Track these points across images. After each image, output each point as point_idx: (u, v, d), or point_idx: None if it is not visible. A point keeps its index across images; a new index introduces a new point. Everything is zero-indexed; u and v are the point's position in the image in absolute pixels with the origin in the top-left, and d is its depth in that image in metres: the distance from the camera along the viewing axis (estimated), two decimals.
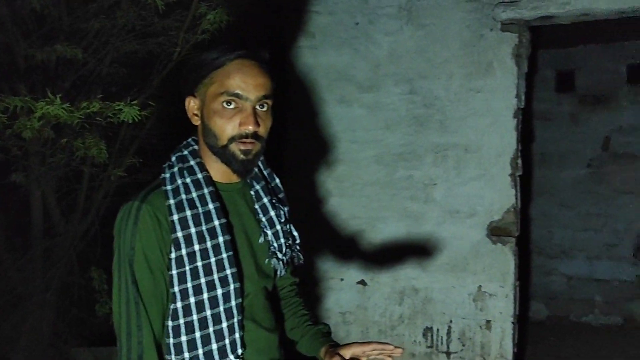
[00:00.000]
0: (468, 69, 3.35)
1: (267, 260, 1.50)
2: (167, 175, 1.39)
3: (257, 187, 1.51)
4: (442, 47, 3.40)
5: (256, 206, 1.49)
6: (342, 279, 3.62)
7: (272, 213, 1.49)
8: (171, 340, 1.33)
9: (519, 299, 3.40)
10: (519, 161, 3.31)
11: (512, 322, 3.31)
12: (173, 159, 1.43)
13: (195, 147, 1.45)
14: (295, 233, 1.57)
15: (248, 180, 1.51)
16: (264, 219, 1.48)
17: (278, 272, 1.53)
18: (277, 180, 1.58)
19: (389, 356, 1.44)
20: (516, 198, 3.30)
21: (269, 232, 1.48)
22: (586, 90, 5.51)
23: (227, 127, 1.35)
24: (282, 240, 1.50)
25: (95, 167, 4.30)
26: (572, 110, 5.57)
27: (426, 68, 3.44)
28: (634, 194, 5.41)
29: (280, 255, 1.50)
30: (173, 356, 1.33)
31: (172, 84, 4.21)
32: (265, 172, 1.56)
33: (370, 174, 3.57)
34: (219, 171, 1.42)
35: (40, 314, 4.34)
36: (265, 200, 1.50)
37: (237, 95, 1.34)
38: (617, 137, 5.43)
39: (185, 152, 1.43)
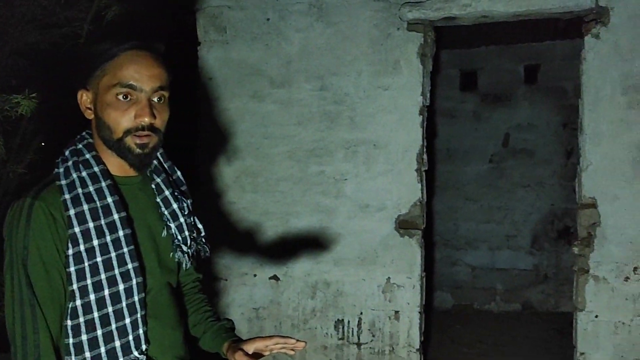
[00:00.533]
0: (376, 67, 3.44)
1: (171, 254, 1.47)
2: (61, 169, 1.34)
3: (158, 180, 1.48)
4: (351, 44, 3.47)
5: (158, 199, 1.47)
6: (255, 275, 3.62)
7: (175, 206, 1.47)
8: (71, 340, 1.28)
9: (425, 289, 3.54)
10: (425, 156, 3.44)
11: (419, 312, 3.43)
12: (67, 153, 1.38)
13: (90, 140, 1.40)
14: (199, 225, 1.55)
15: (148, 174, 1.47)
16: (166, 212, 1.46)
17: (183, 266, 1.51)
18: (179, 173, 1.55)
19: (292, 349, 1.45)
20: (422, 192, 3.43)
21: (172, 225, 1.46)
22: (487, 89, 5.80)
23: (122, 120, 1.31)
24: (187, 233, 1.49)
25: None
26: (475, 108, 5.84)
27: (336, 65, 3.50)
28: (531, 187, 5.75)
29: (185, 249, 1.49)
30: (73, 356, 1.28)
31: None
32: (166, 165, 1.53)
33: (284, 169, 3.59)
34: (115, 165, 1.39)
35: None
36: (167, 193, 1.47)
37: (131, 87, 1.31)
38: (516, 134, 5.75)
39: (80, 146, 1.38)
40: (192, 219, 1.53)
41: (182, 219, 1.48)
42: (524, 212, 5.78)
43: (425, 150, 3.44)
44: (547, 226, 5.74)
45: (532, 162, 5.73)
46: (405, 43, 3.38)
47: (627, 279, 3.08)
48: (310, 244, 3.56)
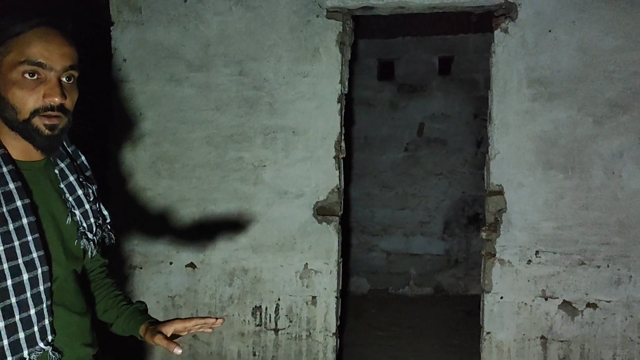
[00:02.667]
0: (296, 54, 3.44)
1: (76, 241, 1.42)
2: None
3: (62, 165, 1.42)
4: (271, 30, 3.45)
5: (62, 185, 1.41)
6: (171, 263, 3.56)
7: (80, 192, 1.42)
8: None
9: (341, 275, 3.61)
10: (343, 144, 3.49)
11: (336, 297, 3.49)
12: None
13: None
14: (105, 212, 1.52)
15: (51, 159, 1.41)
16: (70, 199, 1.41)
17: (89, 253, 1.47)
18: (83, 158, 1.50)
19: (210, 328, 1.45)
20: (339, 179, 3.48)
21: (77, 212, 1.42)
22: (404, 79, 5.95)
23: (29, 100, 1.25)
24: (92, 220, 1.45)
25: None
26: (392, 98, 5.97)
27: (256, 50, 3.47)
28: (443, 175, 5.97)
29: (90, 236, 1.44)
30: None
31: None
32: (69, 149, 1.48)
33: (201, 155, 3.53)
34: (17, 149, 1.32)
35: None
36: (72, 178, 1.42)
37: (40, 65, 1.25)
38: (430, 123, 5.94)
39: None
40: (97, 205, 1.48)
41: (87, 206, 1.43)
42: (437, 199, 5.99)
43: (343, 138, 3.49)
44: (458, 213, 5.98)
45: (445, 151, 5.95)
46: (325, 31, 3.41)
47: (529, 262, 3.27)
48: (228, 230, 3.54)
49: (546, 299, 3.26)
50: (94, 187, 1.49)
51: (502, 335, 3.30)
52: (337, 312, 3.52)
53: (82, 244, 1.43)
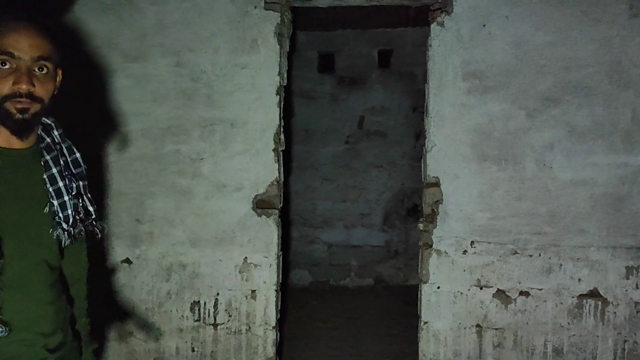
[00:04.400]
0: (234, 45, 3.39)
1: (50, 230, 1.48)
2: None
3: (47, 157, 1.50)
4: (208, 20, 3.39)
5: (44, 176, 1.48)
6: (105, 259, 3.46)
7: (60, 184, 1.49)
8: None
9: (281, 268, 3.60)
10: (282, 137, 3.47)
11: (275, 290, 3.48)
12: None
13: None
14: (90, 208, 1.58)
15: (40, 150, 1.49)
16: (51, 189, 1.48)
17: (63, 243, 1.51)
18: (78, 155, 1.58)
19: None
20: (279, 172, 3.46)
21: (55, 203, 1.48)
22: (344, 72, 5.97)
23: (2, 87, 1.37)
24: (69, 212, 1.50)
25: None
26: (333, 90, 5.99)
27: (193, 41, 3.40)
28: (383, 167, 6.04)
29: (65, 226, 1.50)
30: None
31: None
32: (64, 145, 1.55)
33: (138, 148, 3.44)
34: (1, 136, 1.42)
35: None
36: (54, 170, 1.49)
37: (10, 55, 1.36)
38: (370, 116, 5.99)
39: None
40: (80, 200, 1.54)
41: (66, 197, 1.50)
42: (377, 191, 6.06)
43: (282, 130, 3.46)
44: (398, 204, 6.07)
45: (384, 144, 6.01)
46: (263, 22, 3.37)
47: (465, 252, 3.35)
48: (166, 225, 3.46)
49: (481, 288, 3.35)
50: (79, 183, 1.55)
51: (439, 324, 3.37)
52: (277, 305, 3.51)
53: (56, 233, 1.49)
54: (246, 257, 3.45)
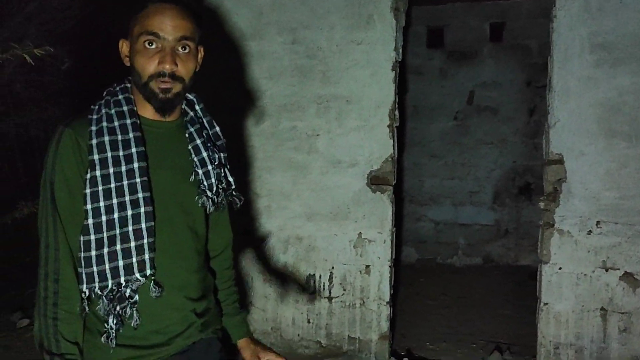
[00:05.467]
0: (349, 21, 3.39)
1: (196, 197, 1.56)
2: (96, 106, 1.48)
3: (192, 129, 1.57)
4: None
5: (190, 147, 1.56)
6: None
7: (204, 154, 1.56)
8: (82, 254, 1.40)
9: (394, 245, 3.60)
10: (397, 112, 3.45)
11: (389, 266, 3.50)
12: (104, 93, 1.51)
13: (128, 85, 1.53)
14: (230, 178, 1.65)
15: (184, 123, 1.57)
16: (195, 159, 1.56)
17: (207, 210, 1.60)
18: (217, 129, 1.64)
19: None
20: (393, 148, 3.45)
21: (200, 172, 1.56)
22: (454, 46, 5.81)
23: (148, 66, 1.43)
24: (213, 181, 1.58)
25: None
26: (441, 65, 5.86)
27: (309, 18, 3.44)
28: (493, 144, 5.86)
29: (209, 194, 1.58)
30: (83, 269, 1.40)
31: (39, 25, 3.87)
32: (205, 119, 1.62)
33: (256, 124, 3.55)
34: (150, 109, 1.50)
35: None
36: (198, 141, 1.57)
37: (155, 35, 1.42)
38: (480, 91, 5.81)
39: (117, 88, 1.52)
40: (222, 170, 1.61)
41: (209, 167, 1.57)
42: (487, 169, 5.90)
43: (397, 106, 3.44)
44: (509, 182, 5.88)
45: (495, 120, 5.83)
46: None
47: (589, 232, 3.20)
48: (283, 199, 3.56)
49: (607, 270, 3.19)
50: (221, 154, 1.61)
51: (560, 306, 3.25)
52: (390, 281, 3.52)
53: (202, 201, 1.57)
54: (360, 233, 3.49)
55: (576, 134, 3.19)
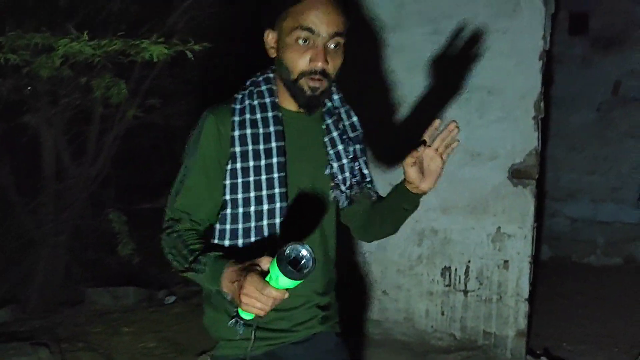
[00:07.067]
0: (494, 9, 3.30)
1: (330, 191, 1.54)
2: (240, 95, 1.50)
3: (329, 121, 1.56)
4: None
5: (326, 139, 1.54)
6: None
7: (340, 147, 1.54)
8: (216, 241, 1.46)
9: (535, 240, 3.48)
10: (542, 104, 3.31)
11: (530, 262, 3.38)
12: (248, 82, 1.53)
13: (270, 75, 1.52)
14: (365, 171, 1.59)
15: (321, 115, 1.56)
16: (331, 152, 1.53)
17: (340, 204, 1.57)
18: (355, 119, 1.61)
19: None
20: (538, 141, 3.32)
21: (335, 165, 1.53)
22: (599, 32, 5.47)
23: (299, 62, 1.40)
24: (347, 174, 1.54)
25: (105, 108, 4.25)
26: (584, 53, 5.55)
27: (451, 7, 3.38)
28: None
29: (343, 188, 1.54)
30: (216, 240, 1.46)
31: (187, 23, 4.10)
32: (342, 110, 1.59)
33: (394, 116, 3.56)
34: (289, 100, 1.49)
35: (53, 256, 4.38)
36: (335, 134, 1.54)
37: (310, 30, 1.38)
38: (628, 81, 5.44)
39: (260, 78, 1.52)
40: (357, 163, 1.57)
41: (345, 161, 1.53)
42: (631, 164, 5.52)
43: (542, 97, 3.31)
44: None
45: None
46: None
47: None
48: None
49: None
50: (357, 147, 1.57)
51: None
52: (530, 277, 3.41)
53: (334, 195, 1.55)
54: (499, 227, 3.40)
55: None
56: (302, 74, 1.41)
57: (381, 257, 3.65)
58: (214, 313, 1.52)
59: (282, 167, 1.44)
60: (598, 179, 5.63)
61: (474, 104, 3.40)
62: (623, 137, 5.51)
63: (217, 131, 1.44)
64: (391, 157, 3.58)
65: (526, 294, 3.40)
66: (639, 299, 4.78)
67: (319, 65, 1.39)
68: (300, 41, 1.39)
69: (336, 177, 1.54)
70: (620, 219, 5.60)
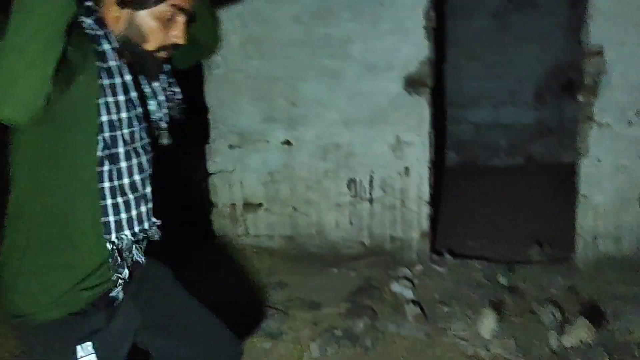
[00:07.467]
0: None
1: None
2: None
3: None
4: None
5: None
6: (267, 141, 3.71)
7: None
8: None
9: (434, 146, 3.65)
10: (432, 13, 3.39)
11: (429, 167, 3.56)
12: None
13: None
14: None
15: None
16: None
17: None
18: None
19: None
20: (430, 50, 3.42)
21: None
22: None
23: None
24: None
25: None
26: None
27: None
28: (535, 41, 5.68)
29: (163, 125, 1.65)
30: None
31: None
32: None
33: (288, 33, 3.55)
34: None
35: None
36: None
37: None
38: None
39: None
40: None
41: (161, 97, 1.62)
42: (528, 67, 5.76)
43: (432, 6, 3.38)
44: (551, 80, 5.75)
45: (536, 15, 5.62)
46: None
47: (629, 123, 3.17)
48: (320, 107, 3.61)
49: None
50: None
51: (599, 197, 3.29)
52: (430, 181, 3.60)
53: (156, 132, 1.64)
54: (398, 136, 3.54)
55: (617, 24, 3.11)
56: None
57: (289, 175, 3.74)
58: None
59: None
60: (497, 84, 5.85)
61: (367, 16, 3.44)
62: (519, 42, 5.71)
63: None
64: (290, 72, 3.58)
65: (427, 197, 3.60)
66: (538, 195, 5.13)
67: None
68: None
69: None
70: (520, 120, 5.89)
